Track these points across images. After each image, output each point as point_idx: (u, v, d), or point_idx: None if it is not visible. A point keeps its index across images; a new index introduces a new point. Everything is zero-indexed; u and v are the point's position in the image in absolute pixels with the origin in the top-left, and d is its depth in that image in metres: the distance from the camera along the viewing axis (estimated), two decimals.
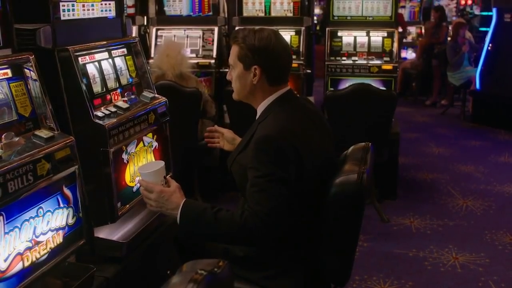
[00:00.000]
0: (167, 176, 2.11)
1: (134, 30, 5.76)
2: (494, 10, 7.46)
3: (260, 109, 2.11)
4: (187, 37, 5.58)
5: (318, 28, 10.70)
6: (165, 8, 5.72)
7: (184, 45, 4.66)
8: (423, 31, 9.76)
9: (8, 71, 1.92)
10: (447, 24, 9.22)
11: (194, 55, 5.47)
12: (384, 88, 4.81)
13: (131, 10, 6.57)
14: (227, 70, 2.18)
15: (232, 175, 2.11)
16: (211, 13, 5.65)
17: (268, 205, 1.86)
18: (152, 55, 5.49)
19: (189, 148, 4.07)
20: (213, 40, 5.52)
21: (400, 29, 7.64)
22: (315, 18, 12.95)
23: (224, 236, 1.94)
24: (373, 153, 2.14)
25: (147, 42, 5.70)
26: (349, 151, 2.16)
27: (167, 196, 1.98)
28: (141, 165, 2.31)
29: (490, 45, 7.44)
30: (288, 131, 1.95)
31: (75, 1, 2.31)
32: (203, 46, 5.55)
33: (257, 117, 2.12)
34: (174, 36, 5.58)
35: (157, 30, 5.63)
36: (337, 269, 2.09)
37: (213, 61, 5.42)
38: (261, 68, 2.02)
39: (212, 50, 5.52)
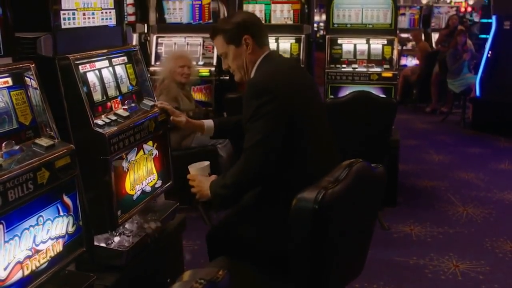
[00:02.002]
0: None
1: (135, 38, 5.78)
2: (493, 17, 7.47)
3: (253, 71, 2.30)
4: (188, 44, 5.60)
5: (318, 36, 10.71)
6: (166, 16, 5.74)
7: (185, 55, 4.55)
8: (422, 37, 9.78)
9: (9, 79, 1.93)
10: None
11: (194, 63, 5.47)
12: (384, 96, 4.82)
13: (132, 18, 6.61)
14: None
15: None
16: (211, 21, 5.66)
17: (254, 139, 2.07)
18: (153, 62, 5.51)
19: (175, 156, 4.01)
20: (213, 48, 5.53)
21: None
22: (321, 24, 13.01)
23: (239, 187, 2.16)
24: (370, 167, 1.96)
25: (147, 50, 5.72)
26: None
27: (204, 181, 2.30)
28: (192, 164, 2.48)
29: (490, 52, 7.46)
30: (271, 75, 2.17)
31: (75, 9, 2.32)
32: (203, 54, 5.55)
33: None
34: (175, 44, 5.60)
35: (157, 37, 5.64)
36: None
37: (213, 68, 5.40)
38: (250, 35, 2.26)
39: (212, 58, 5.51)
